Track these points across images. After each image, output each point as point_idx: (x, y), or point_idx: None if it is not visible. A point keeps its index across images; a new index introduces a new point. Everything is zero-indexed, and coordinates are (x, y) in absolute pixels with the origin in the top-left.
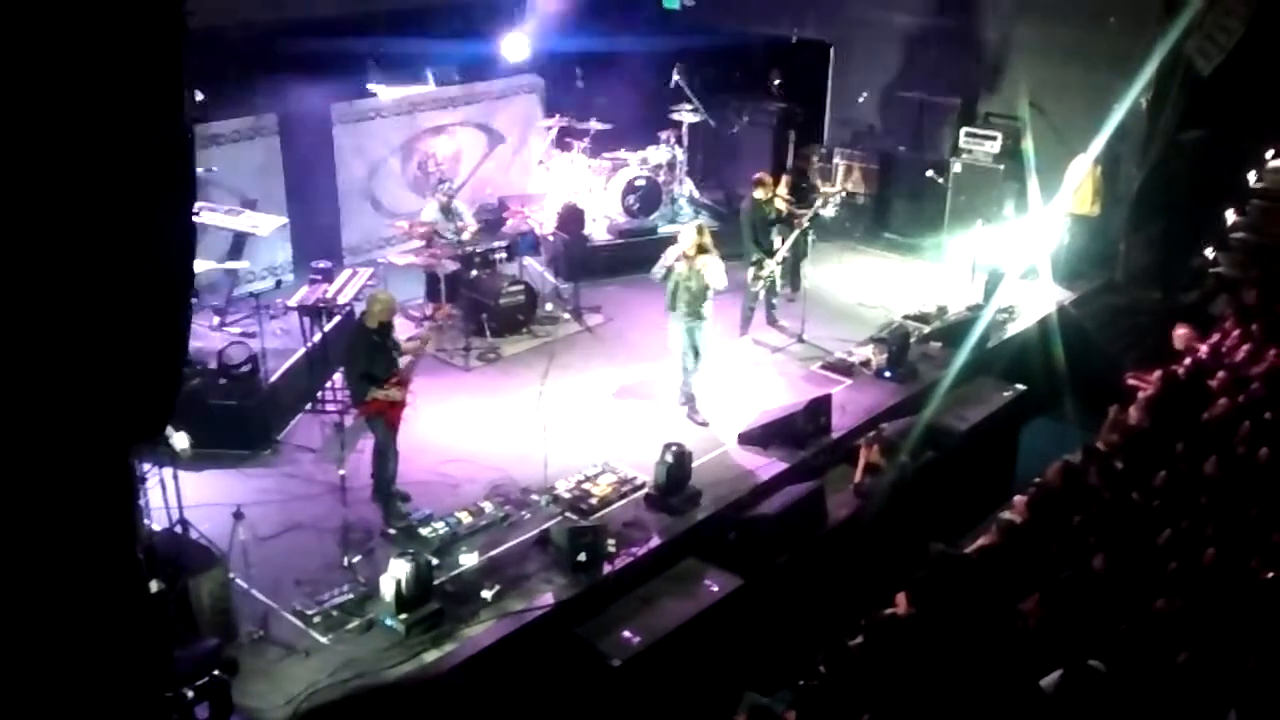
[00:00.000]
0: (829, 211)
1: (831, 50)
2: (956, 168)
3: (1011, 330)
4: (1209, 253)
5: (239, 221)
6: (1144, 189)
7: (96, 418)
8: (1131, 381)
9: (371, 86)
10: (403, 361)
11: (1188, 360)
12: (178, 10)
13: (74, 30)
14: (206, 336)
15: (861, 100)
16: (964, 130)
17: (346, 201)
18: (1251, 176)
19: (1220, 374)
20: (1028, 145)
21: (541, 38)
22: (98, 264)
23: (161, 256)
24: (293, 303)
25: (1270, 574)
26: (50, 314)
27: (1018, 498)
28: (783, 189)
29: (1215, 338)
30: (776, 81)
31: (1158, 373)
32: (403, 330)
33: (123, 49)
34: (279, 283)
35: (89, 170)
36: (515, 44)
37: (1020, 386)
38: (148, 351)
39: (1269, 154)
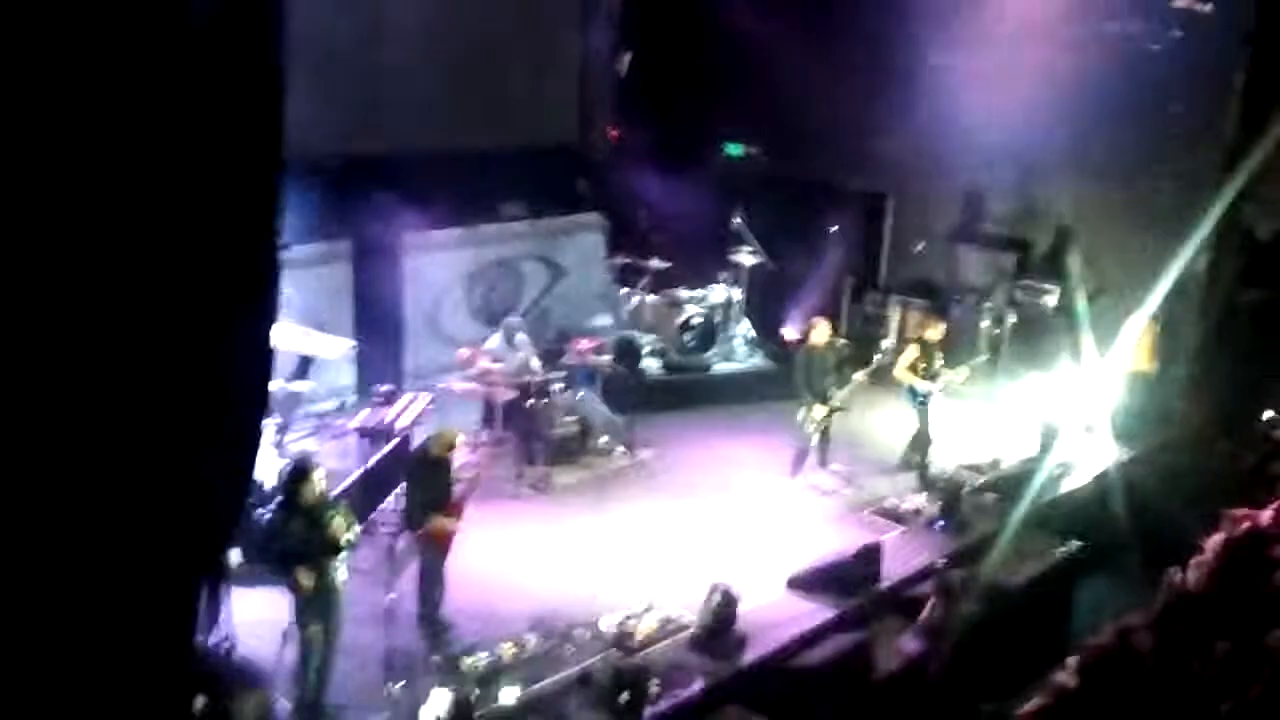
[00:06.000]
0: (882, 358)
1: (889, 201)
2: (1012, 319)
3: (1067, 485)
4: (1268, 414)
5: (308, 343)
6: (1202, 348)
7: (160, 536)
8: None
9: (441, 218)
10: (458, 489)
11: (1246, 526)
12: (278, 145)
13: (185, 159)
14: (266, 454)
15: (918, 251)
16: (1019, 282)
17: (411, 327)
18: None
19: None
20: (1083, 300)
21: (607, 178)
22: (179, 386)
23: (242, 381)
24: (353, 425)
25: None
26: (129, 434)
27: (1071, 659)
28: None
29: (1276, 504)
30: (834, 228)
31: (1217, 537)
32: (458, 455)
33: (228, 179)
34: (342, 404)
35: (183, 293)
36: (581, 184)
37: (1075, 543)
38: (219, 472)
39: None
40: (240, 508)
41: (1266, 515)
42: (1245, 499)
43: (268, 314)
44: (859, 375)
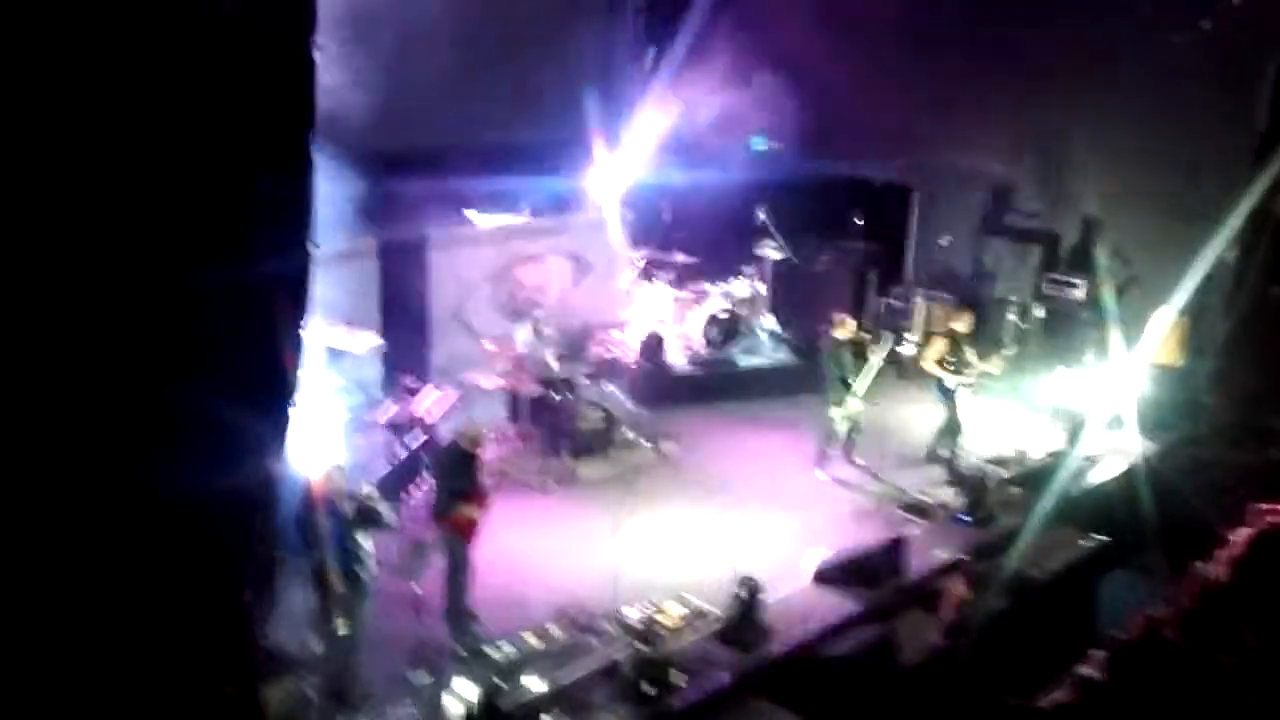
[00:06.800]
0: (907, 351)
1: (914, 195)
2: (1039, 312)
3: (1093, 479)
4: None
5: (335, 338)
6: (1230, 342)
7: (201, 529)
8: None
9: (468, 214)
10: (485, 484)
11: (1272, 519)
12: (308, 147)
13: (219, 158)
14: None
15: (944, 244)
16: (1047, 275)
17: (437, 323)
18: None
19: None
20: (1111, 293)
21: (631, 173)
22: (211, 382)
23: (273, 376)
24: (380, 418)
25: None
26: (159, 426)
27: (1096, 652)
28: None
29: None
30: (859, 221)
31: (1244, 530)
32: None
33: (261, 182)
34: (369, 399)
35: (222, 291)
36: (606, 180)
37: (1101, 537)
38: (251, 464)
39: None
40: (275, 498)
41: None
42: (1272, 493)
43: (299, 310)
44: (874, 358)
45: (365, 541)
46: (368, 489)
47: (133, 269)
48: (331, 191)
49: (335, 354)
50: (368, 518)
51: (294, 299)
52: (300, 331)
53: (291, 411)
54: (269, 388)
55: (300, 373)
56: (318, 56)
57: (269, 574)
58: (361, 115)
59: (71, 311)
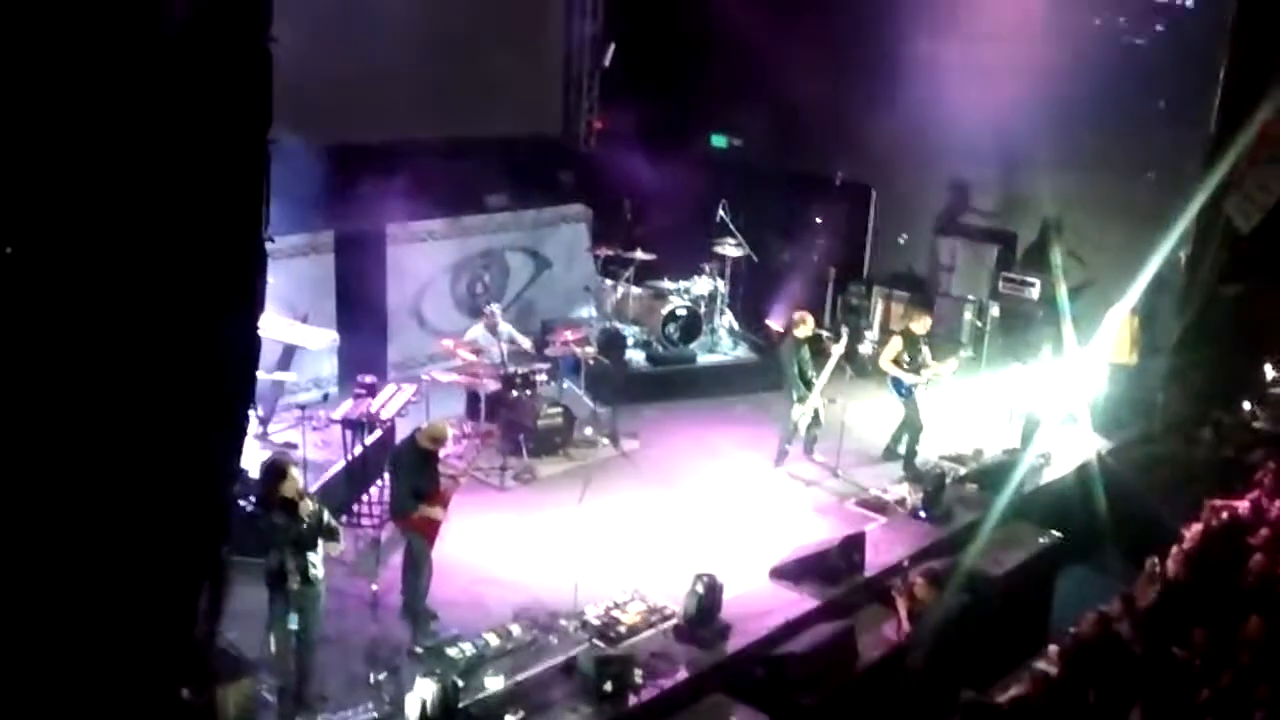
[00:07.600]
0: (865, 349)
1: (873, 193)
2: (995, 311)
3: (1048, 476)
4: (1247, 406)
5: (291, 334)
6: (1182, 340)
7: (151, 528)
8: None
9: (425, 209)
10: (445, 482)
11: (1225, 515)
12: (263, 138)
13: (173, 152)
14: (249, 445)
15: (902, 242)
16: (1003, 275)
17: (394, 318)
18: None
19: (1262, 531)
20: (1064, 292)
21: (591, 169)
22: (166, 377)
23: (228, 371)
24: (336, 415)
25: None
26: (117, 425)
27: (1052, 647)
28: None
29: (1255, 494)
30: (819, 219)
31: (1196, 526)
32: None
33: (214, 174)
34: (326, 395)
35: (169, 283)
36: (565, 175)
37: (1056, 533)
38: (206, 462)
39: None
40: (228, 498)
41: (1244, 505)
42: (1224, 489)
43: (253, 304)
44: (835, 350)
45: (319, 543)
46: (316, 505)
47: (84, 270)
48: (288, 185)
49: (291, 350)
50: (317, 529)
51: (248, 296)
52: (255, 328)
53: (246, 412)
54: (222, 388)
55: (255, 371)
56: (274, 50)
57: (223, 576)
58: (320, 108)
59: (21, 317)
